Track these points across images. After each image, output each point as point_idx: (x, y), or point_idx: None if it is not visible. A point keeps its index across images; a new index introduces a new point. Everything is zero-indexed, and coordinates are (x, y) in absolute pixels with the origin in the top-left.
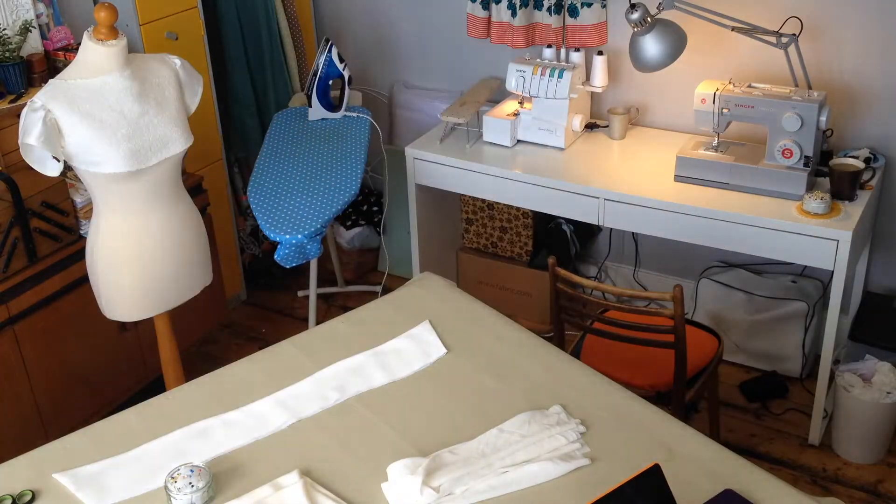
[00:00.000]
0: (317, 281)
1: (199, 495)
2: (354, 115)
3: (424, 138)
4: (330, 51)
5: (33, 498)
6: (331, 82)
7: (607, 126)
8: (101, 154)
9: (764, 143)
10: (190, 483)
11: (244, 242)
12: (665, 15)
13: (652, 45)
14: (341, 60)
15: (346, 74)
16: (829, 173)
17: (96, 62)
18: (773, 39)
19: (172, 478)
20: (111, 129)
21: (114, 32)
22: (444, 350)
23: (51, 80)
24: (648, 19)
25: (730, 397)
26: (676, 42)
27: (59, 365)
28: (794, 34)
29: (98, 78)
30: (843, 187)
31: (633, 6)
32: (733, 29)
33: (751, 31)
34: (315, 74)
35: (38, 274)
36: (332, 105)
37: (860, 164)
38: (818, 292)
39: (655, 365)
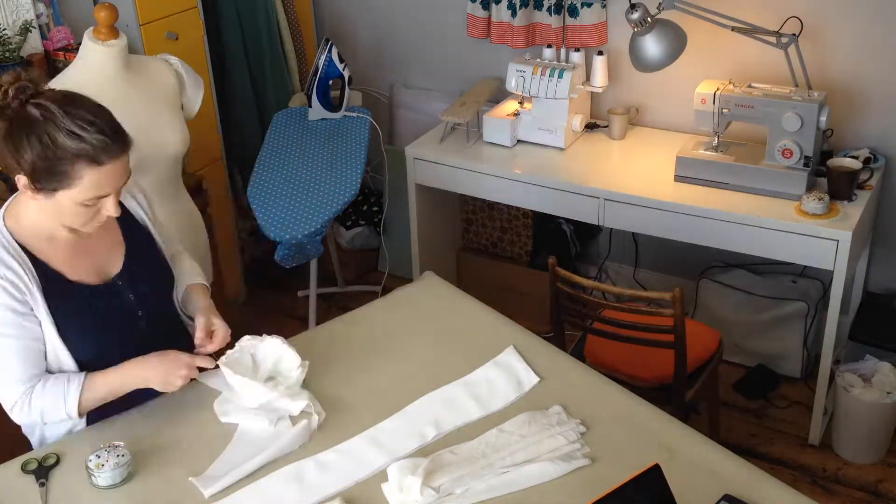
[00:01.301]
0: (317, 281)
1: (120, 471)
2: (354, 114)
3: (424, 138)
4: (330, 51)
5: (58, 461)
6: (331, 82)
7: (607, 126)
8: None
9: (764, 143)
10: (116, 458)
11: (244, 242)
12: (665, 15)
13: (652, 45)
14: (341, 60)
15: (346, 74)
16: (826, 173)
17: (96, 62)
18: (773, 39)
19: (97, 456)
20: None
21: (114, 32)
22: (536, 378)
23: (51, 81)
24: (648, 19)
25: (729, 397)
26: (676, 42)
27: None
28: (793, 34)
29: (98, 78)
30: (840, 187)
31: (633, 6)
32: (733, 29)
33: (751, 31)
34: (315, 74)
35: None
36: (332, 105)
37: (857, 164)
38: (818, 292)
39: (657, 359)
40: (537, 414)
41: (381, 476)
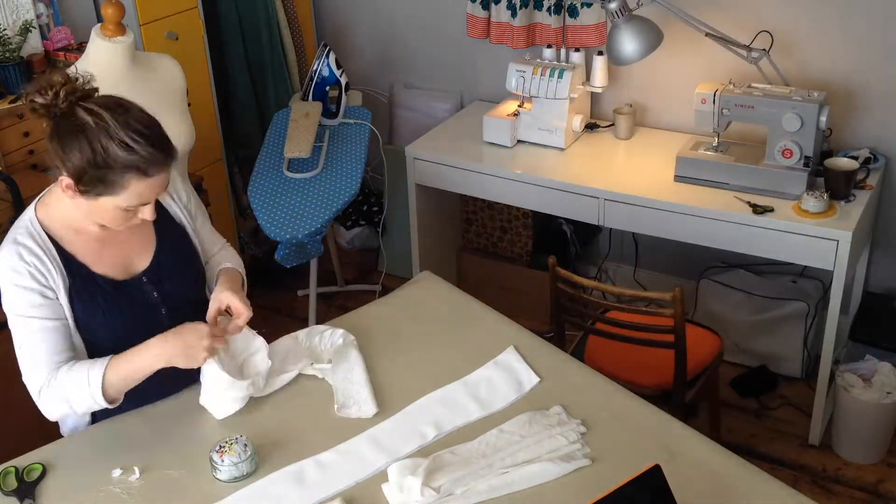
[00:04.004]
0: (317, 281)
1: (245, 464)
2: (352, 121)
3: (424, 138)
4: (327, 56)
5: (44, 473)
6: (327, 88)
7: (608, 126)
8: None
9: (764, 143)
10: (238, 453)
11: (244, 242)
12: (644, 12)
13: (627, 40)
14: (338, 66)
15: (342, 81)
16: (823, 173)
17: (104, 58)
18: (743, 53)
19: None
20: None
21: (121, 29)
22: (536, 379)
23: None
24: (625, 13)
25: (729, 397)
26: (651, 37)
27: None
28: (764, 49)
29: (106, 74)
30: (838, 187)
31: None
32: (707, 34)
33: (723, 40)
34: (311, 80)
35: None
36: (329, 112)
37: (854, 164)
38: (818, 292)
39: (659, 364)
40: (537, 414)
41: (381, 476)
